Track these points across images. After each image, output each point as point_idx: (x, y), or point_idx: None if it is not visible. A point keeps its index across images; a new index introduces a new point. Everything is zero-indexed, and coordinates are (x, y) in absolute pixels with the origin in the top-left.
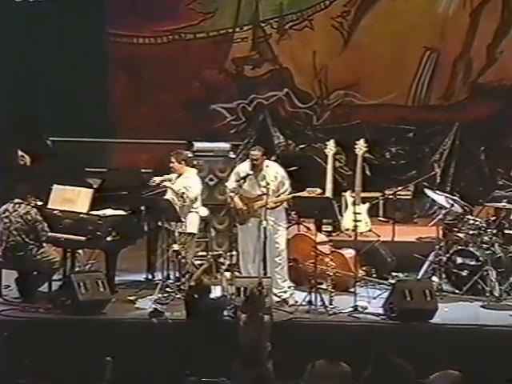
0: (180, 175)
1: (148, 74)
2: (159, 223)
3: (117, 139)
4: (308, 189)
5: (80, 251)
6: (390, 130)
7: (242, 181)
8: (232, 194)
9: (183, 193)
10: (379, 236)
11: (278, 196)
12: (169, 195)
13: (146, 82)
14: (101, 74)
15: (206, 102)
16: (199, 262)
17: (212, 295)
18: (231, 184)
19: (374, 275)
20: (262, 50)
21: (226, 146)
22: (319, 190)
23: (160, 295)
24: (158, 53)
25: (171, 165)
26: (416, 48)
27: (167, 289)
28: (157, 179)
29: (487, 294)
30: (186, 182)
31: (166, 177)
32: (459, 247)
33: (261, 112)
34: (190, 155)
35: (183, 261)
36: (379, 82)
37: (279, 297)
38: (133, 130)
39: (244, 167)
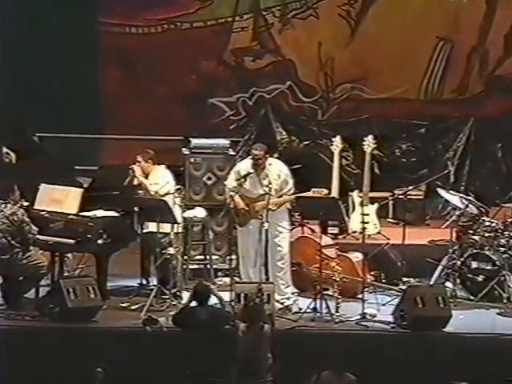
0: (147, 175)
1: (141, 66)
2: (143, 229)
3: (108, 135)
4: (314, 189)
5: (69, 255)
6: (401, 126)
7: (243, 180)
8: (232, 194)
9: (156, 191)
10: (389, 239)
11: (281, 196)
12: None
13: (139, 74)
14: (91, 66)
15: (204, 96)
16: (196, 267)
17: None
18: (231, 183)
19: (384, 280)
20: (264, 40)
21: (225, 142)
22: (325, 191)
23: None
24: (152, 43)
25: (138, 164)
26: (428, 38)
27: (162, 295)
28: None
29: (504, 301)
30: (159, 178)
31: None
32: (474, 251)
33: (262, 106)
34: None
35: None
36: (389, 75)
37: (282, 304)
38: (125, 126)
39: (245, 165)
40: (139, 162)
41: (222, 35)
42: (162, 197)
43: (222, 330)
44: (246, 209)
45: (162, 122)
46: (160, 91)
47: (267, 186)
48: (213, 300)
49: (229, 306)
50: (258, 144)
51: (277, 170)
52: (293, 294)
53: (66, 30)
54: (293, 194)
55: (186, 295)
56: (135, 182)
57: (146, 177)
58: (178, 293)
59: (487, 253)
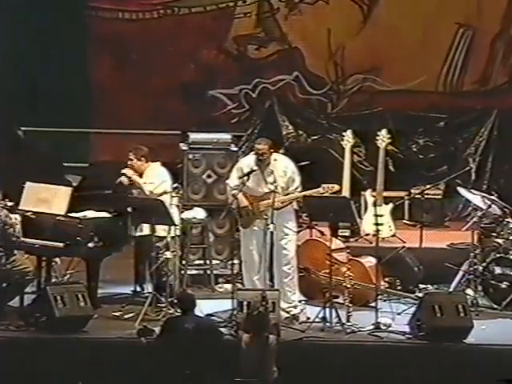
0: (141, 174)
1: (135, 55)
2: (138, 232)
3: (100, 129)
4: (323, 185)
5: (57, 259)
6: (418, 119)
7: (246, 177)
8: (234, 192)
9: (151, 191)
10: (404, 242)
11: (288, 195)
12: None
13: (133, 63)
14: (80, 55)
15: (203, 88)
16: (195, 272)
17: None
18: (233, 181)
19: (399, 287)
20: (268, 27)
21: (226, 137)
22: (337, 187)
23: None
24: (147, 30)
25: (130, 163)
26: (448, 25)
27: (158, 303)
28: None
29: None
30: (154, 177)
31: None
32: (497, 255)
33: (266, 98)
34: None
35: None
36: (404, 65)
37: (288, 312)
38: (118, 120)
39: (248, 161)
40: (131, 159)
41: (223, 21)
42: (158, 196)
43: (209, 341)
44: (250, 208)
45: (158, 115)
46: (156, 82)
47: (272, 183)
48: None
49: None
50: (261, 138)
51: (283, 167)
52: (300, 301)
53: (53, 15)
54: (300, 192)
55: None
56: (126, 181)
57: (140, 175)
58: (175, 301)
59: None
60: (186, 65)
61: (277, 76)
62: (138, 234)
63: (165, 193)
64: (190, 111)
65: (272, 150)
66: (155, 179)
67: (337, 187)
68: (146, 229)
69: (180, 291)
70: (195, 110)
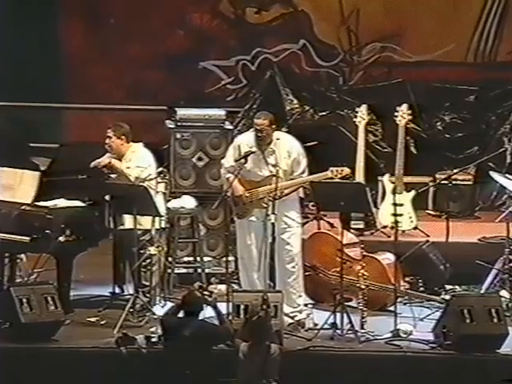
0: (120, 156)
1: (114, 19)
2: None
3: (72, 104)
4: (332, 168)
5: (22, 256)
6: (444, 92)
7: (243, 160)
8: (229, 177)
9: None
10: (428, 236)
11: (292, 180)
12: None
13: (111, 29)
14: (50, 20)
15: (194, 58)
16: (184, 271)
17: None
18: (228, 162)
19: (422, 289)
20: None
21: (220, 113)
22: (347, 170)
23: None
24: None
25: (108, 142)
26: None
27: (141, 307)
28: (102, 160)
29: None
30: (138, 160)
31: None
32: None
33: (268, 70)
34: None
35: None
36: (429, 32)
37: (292, 318)
38: (93, 94)
39: (247, 139)
40: (109, 137)
41: None
42: (142, 182)
43: (213, 350)
44: (247, 195)
45: (140, 88)
46: (137, 51)
47: (274, 165)
48: (208, 313)
49: (228, 323)
50: (261, 112)
51: (287, 147)
52: (306, 305)
53: None
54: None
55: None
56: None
57: (120, 159)
58: (160, 304)
59: None
60: (173, 31)
61: (280, 45)
62: (119, 226)
63: (149, 179)
64: (176, 87)
65: (274, 127)
66: (140, 163)
67: (347, 170)
68: (126, 220)
69: (188, 291)
70: (183, 85)
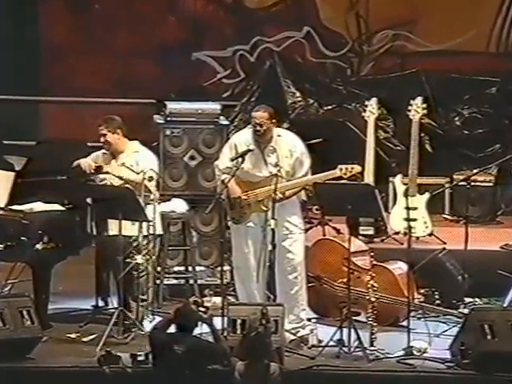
0: (118, 154)
1: (99, 5)
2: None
3: (51, 97)
4: (341, 166)
5: None
6: (462, 84)
7: (240, 159)
8: (225, 178)
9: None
10: (445, 243)
11: (294, 181)
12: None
13: (95, 16)
14: (29, 7)
15: (186, 48)
16: (175, 282)
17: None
18: (223, 162)
19: (438, 302)
20: None
21: (214, 107)
22: (358, 167)
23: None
24: None
25: (103, 139)
26: None
27: (126, 322)
28: (85, 162)
29: None
30: (135, 160)
31: (93, 156)
32: None
33: (268, 60)
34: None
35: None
36: (447, 18)
37: (294, 334)
38: (75, 86)
39: (245, 137)
40: (104, 135)
41: None
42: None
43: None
44: (244, 198)
45: (126, 81)
46: (124, 40)
47: (275, 165)
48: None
49: (224, 340)
50: (260, 105)
51: (288, 145)
52: (310, 320)
53: None
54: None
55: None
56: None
57: (115, 156)
58: (148, 319)
59: None
60: (163, 17)
61: (282, 33)
62: (101, 232)
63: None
64: (167, 80)
65: (274, 121)
66: (143, 164)
67: (358, 168)
68: (110, 226)
69: (183, 303)
70: (175, 79)
